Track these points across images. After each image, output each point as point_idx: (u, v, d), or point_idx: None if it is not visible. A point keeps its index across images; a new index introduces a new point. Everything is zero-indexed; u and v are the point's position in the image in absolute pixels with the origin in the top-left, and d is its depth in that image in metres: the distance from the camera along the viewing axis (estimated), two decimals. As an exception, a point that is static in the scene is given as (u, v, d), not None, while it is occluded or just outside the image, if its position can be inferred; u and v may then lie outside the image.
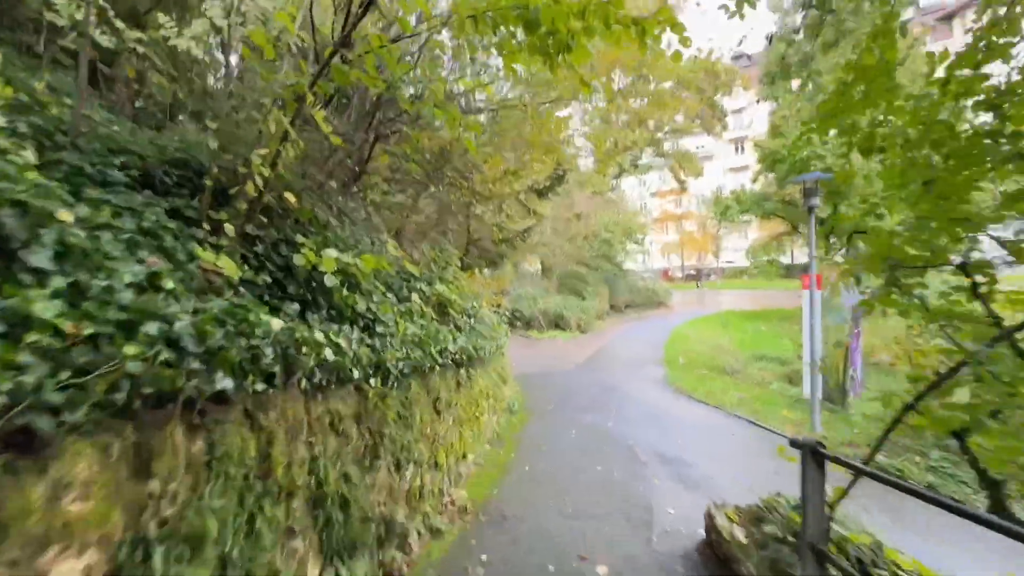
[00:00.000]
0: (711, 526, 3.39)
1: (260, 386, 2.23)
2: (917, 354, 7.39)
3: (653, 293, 25.56)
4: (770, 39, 17.46)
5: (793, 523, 2.91)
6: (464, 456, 6.03)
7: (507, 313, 10.05)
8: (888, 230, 2.62)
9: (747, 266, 46.82)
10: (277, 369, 2.38)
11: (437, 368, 4.72)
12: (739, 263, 46.34)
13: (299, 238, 3.33)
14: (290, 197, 3.10)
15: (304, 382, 2.66)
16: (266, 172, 2.95)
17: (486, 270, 9.44)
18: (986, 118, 2.76)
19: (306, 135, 4.01)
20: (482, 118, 6.50)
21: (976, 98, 2.74)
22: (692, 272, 47.52)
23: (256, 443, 2.29)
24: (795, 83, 17.20)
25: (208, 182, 2.96)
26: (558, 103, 6.96)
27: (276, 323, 2.46)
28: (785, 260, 42.74)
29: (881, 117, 3.15)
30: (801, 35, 16.64)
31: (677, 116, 21.56)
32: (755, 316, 20.80)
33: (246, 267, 2.88)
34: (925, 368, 7.37)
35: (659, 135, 22.76)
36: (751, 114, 51.40)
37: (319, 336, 2.66)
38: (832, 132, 3.73)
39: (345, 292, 3.39)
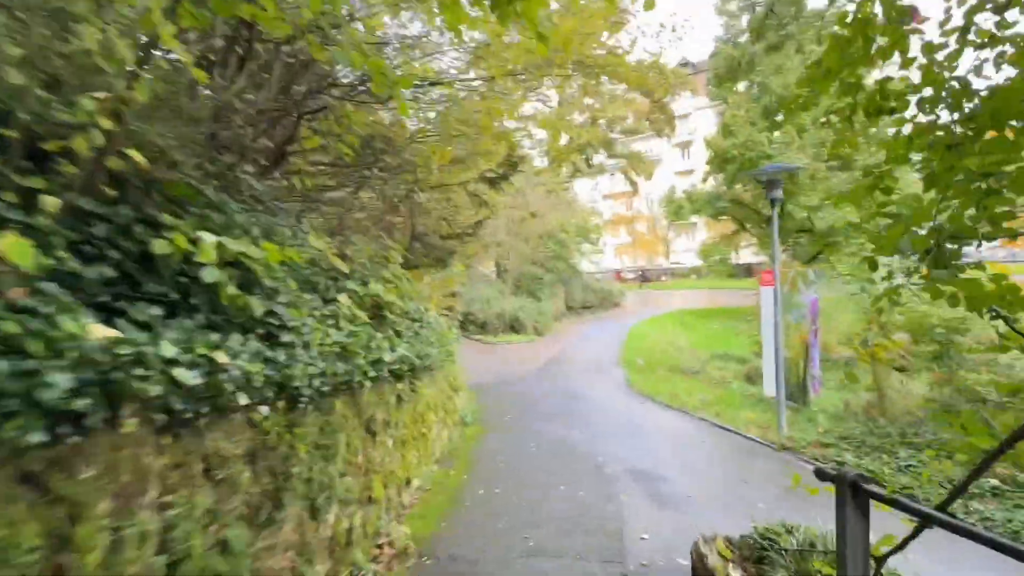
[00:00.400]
0: (700, 566, 2.79)
1: (39, 437, 1.40)
2: (879, 349, 7.28)
3: (608, 294, 25.49)
4: (717, 42, 17.71)
5: (805, 569, 2.35)
6: (408, 483, 5.24)
7: (459, 317, 9.30)
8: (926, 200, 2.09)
9: (695, 266, 48.32)
10: (87, 403, 1.56)
11: (369, 383, 3.93)
12: (687, 264, 47.67)
13: (168, 219, 2.47)
14: (136, 155, 2.23)
15: (144, 418, 1.83)
16: (107, 124, 2.10)
17: (435, 272, 8.65)
18: (1010, 72, 2.32)
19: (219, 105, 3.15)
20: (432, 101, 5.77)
21: (1001, 48, 2.31)
22: (640, 273, 48.33)
23: (42, 524, 1.45)
24: (741, 86, 17.53)
25: (12, 134, 2.06)
26: (511, 90, 6.33)
27: (97, 332, 1.64)
28: (733, 260, 44.60)
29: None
30: (746, 37, 16.93)
31: (628, 117, 21.58)
32: (708, 315, 21.05)
33: (67, 254, 2.01)
34: (888, 363, 7.27)
35: (611, 135, 22.74)
36: (695, 120, 53.34)
37: (168, 350, 1.84)
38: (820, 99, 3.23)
39: (233, 291, 2.55)
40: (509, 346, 15.64)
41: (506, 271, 18.36)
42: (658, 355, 13.22)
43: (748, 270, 44.66)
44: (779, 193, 7.13)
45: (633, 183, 26.36)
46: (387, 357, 4.10)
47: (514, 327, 16.75)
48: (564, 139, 22.75)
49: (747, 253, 45.17)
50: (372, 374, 3.86)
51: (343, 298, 4.21)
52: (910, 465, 5.78)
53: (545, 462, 6.15)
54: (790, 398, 8.59)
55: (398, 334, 4.97)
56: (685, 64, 55.71)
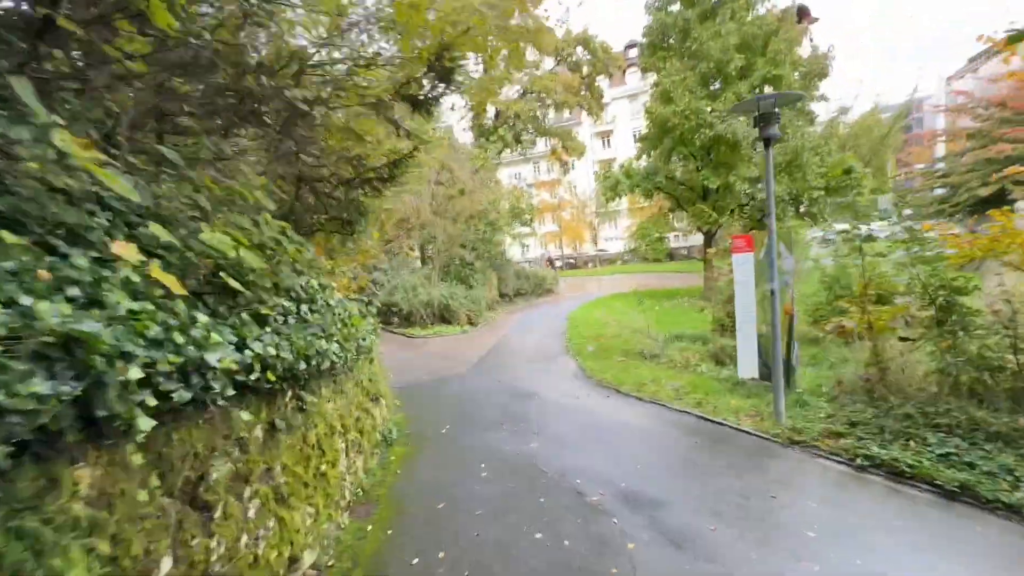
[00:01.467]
0: None
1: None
2: (881, 315, 6.30)
3: (541, 279, 24.17)
4: (648, 10, 16.73)
5: None
6: (293, 562, 3.20)
7: (376, 302, 7.22)
8: None
9: (621, 252, 48.94)
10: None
11: (191, 411, 1.87)
12: (613, 251, 48.09)
13: None
14: None
15: None
16: None
17: (342, 241, 6.47)
18: None
19: None
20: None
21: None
22: (548, 260, 48.02)
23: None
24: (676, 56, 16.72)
25: None
26: None
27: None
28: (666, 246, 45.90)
29: None
30: (678, 6, 16.08)
31: (558, 90, 20.22)
32: (650, 296, 20.37)
33: None
34: (891, 332, 6.29)
35: (541, 109, 21.28)
36: (614, 109, 53.91)
37: None
38: None
39: None
40: (440, 339, 13.62)
41: (432, 256, 16.23)
42: (609, 339, 11.91)
43: (671, 255, 46.06)
44: (775, 131, 5.83)
45: (563, 163, 25.17)
46: (214, 358, 2.05)
47: (444, 317, 14.73)
48: (491, 112, 20.93)
49: (671, 238, 46.59)
50: (197, 393, 1.82)
51: (123, 249, 2.08)
52: (950, 454, 4.73)
53: (504, 495, 4.35)
54: (768, 379, 7.55)
55: (259, 319, 2.90)
56: (632, 46, 56.16)
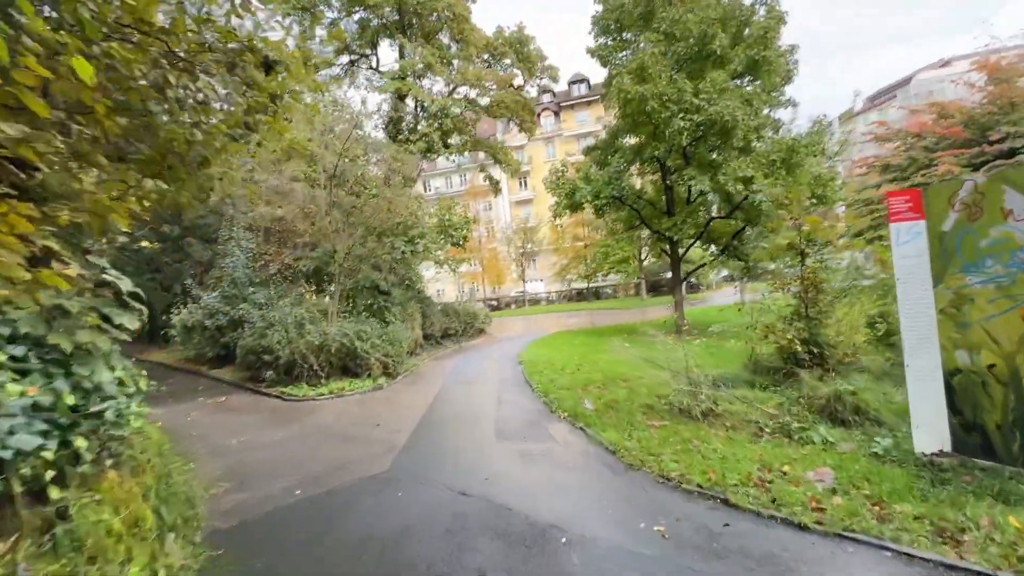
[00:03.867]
0: None
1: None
2: None
3: (473, 317, 19.91)
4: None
5: None
6: None
7: (129, 320, 2.51)
8: None
9: (545, 292, 46.38)
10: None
11: None
12: (533, 291, 45.35)
13: None
14: None
15: None
16: None
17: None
18: None
19: None
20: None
21: None
22: (493, 301, 44.36)
23: None
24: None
25: None
26: None
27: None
28: (569, 285, 43.24)
29: None
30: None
31: (490, 86, 16.98)
32: (606, 332, 16.95)
33: None
34: None
35: (470, 113, 17.87)
36: (529, 150, 53.17)
37: None
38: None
39: None
40: (341, 401, 8.72)
41: (333, 280, 11.37)
42: (606, 388, 7.98)
43: (597, 293, 44.35)
44: None
45: (495, 182, 21.74)
46: None
47: (349, 367, 9.87)
48: (410, 103, 17.01)
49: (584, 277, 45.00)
50: None
51: None
52: None
53: None
54: (990, 455, 4.06)
55: None
56: (582, 80, 55.83)
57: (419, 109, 16.18)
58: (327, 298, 11.15)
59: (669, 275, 38.72)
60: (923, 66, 41.87)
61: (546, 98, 55.49)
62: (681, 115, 11.28)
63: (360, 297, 12.21)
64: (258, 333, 9.69)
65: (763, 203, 11.06)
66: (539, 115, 54.01)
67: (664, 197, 14.88)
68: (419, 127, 15.05)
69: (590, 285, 42.21)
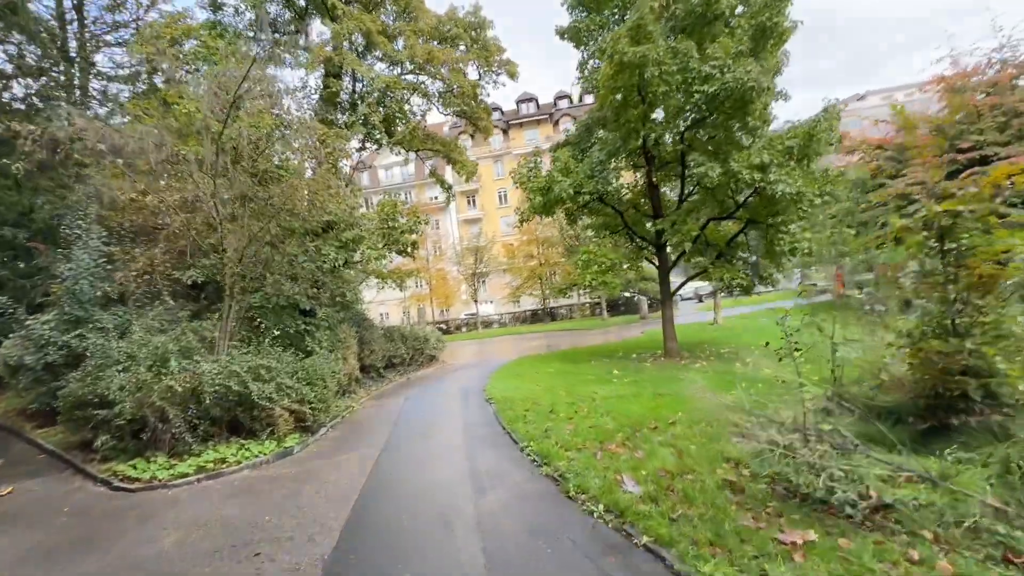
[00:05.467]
0: None
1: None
2: None
3: (423, 342, 16.76)
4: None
5: None
6: None
7: None
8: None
9: (498, 314, 43.56)
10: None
11: None
12: (484, 313, 42.56)
13: None
14: None
15: None
16: None
17: None
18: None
19: None
20: None
21: None
22: (441, 324, 41.05)
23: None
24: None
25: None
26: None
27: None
28: (515, 308, 40.70)
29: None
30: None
31: (443, 66, 14.34)
32: (581, 356, 14.37)
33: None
34: None
35: (420, 99, 15.13)
36: (479, 168, 51.15)
37: None
38: None
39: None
40: (216, 485, 5.41)
41: (225, 291, 8.00)
42: (631, 450, 5.25)
43: (552, 314, 42.06)
44: None
45: (447, 187, 18.97)
46: None
47: (239, 421, 6.55)
48: (347, 83, 14.00)
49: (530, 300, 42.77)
50: None
51: None
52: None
53: None
54: None
55: None
56: (530, 99, 54.10)
57: (357, 89, 13.20)
58: (211, 320, 7.78)
59: (629, 294, 37.34)
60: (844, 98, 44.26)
61: (494, 116, 54.06)
62: (685, 86, 9.16)
63: (269, 319, 8.89)
64: (90, 375, 6.20)
65: (785, 194, 9.05)
66: (485, 136, 52.45)
67: (649, 198, 12.76)
68: (358, 109, 12.12)
69: (545, 306, 39.96)
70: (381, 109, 13.35)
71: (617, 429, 6.19)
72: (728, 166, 9.32)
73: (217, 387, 6.12)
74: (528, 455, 5.63)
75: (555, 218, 33.03)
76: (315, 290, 10.00)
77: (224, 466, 5.71)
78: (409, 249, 12.03)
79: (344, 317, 12.17)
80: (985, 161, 17.23)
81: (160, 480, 5.31)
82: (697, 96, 9.09)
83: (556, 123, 49.57)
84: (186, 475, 5.43)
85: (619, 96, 10.20)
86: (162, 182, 8.29)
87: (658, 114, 10.39)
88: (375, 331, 14.29)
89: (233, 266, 7.37)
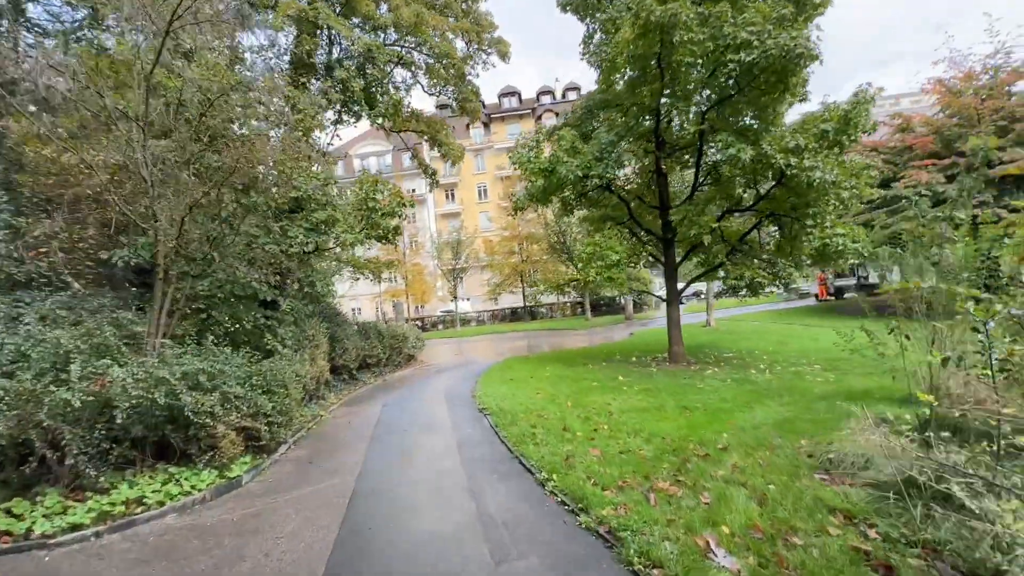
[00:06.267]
0: None
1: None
2: None
3: (401, 340, 15.25)
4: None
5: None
6: None
7: None
8: None
9: (475, 311, 42.07)
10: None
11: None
12: (461, 310, 41.02)
13: None
14: None
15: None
16: None
17: None
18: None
19: None
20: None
21: None
22: (417, 321, 39.35)
23: None
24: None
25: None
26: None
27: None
28: (493, 306, 39.23)
29: None
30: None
31: (428, 27, 12.84)
32: (575, 358, 13.14)
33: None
34: None
35: (404, 73, 13.57)
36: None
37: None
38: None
39: None
40: (110, 549, 3.91)
41: (159, 273, 6.39)
42: (691, 488, 4.01)
43: (532, 313, 40.82)
44: None
45: (432, 173, 17.44)
46: None
47: (169, 442, 5.00)
48: (323, 40, 12.33)
49: (511, 297, 41.49)
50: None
51: None
52: None
53: None
54: None
55: None
56: (513, 93, 52.56)
57: (335, 53, 11.56)
58: (137, 319, 6.16)
59: (612, 293, 36.44)
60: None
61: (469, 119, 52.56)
62: (716, 55, 8.01)
63: (221, 311, 7.31)
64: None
65: (823, 182, 8.02)
66: (468, 126, 50.86)
67: (656, 187, 11.63)
68: (335, 73, 10.51)
69: (526, 304, 38.76)
70: (361, 80, 11.78)
71: (657, 456, 4.96)
72: (760, 148, 8.22)
73: (136, 399, 4.58)
74: (551, 492, 4.33)
75: (540, 214, 32.11)
76: (278, 278, 8.45)
77: (140, 509, 4.20)
78: (390, 235, 10.53)
79: (313, 311, 10.60)
80: (986, 164, 16.94)
81: (40, 535, 3.77)
82: (731, 66, 7.94)
83: (539, 118, 48.41)
84: (81, 526, 3.90)
85: (633, 71, 8.98)
86: (85, 138, 6.60)
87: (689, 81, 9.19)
88: (348, 327, 12.72)
89: (168, 241, 5.79)
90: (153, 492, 4.37)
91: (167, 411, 4.90)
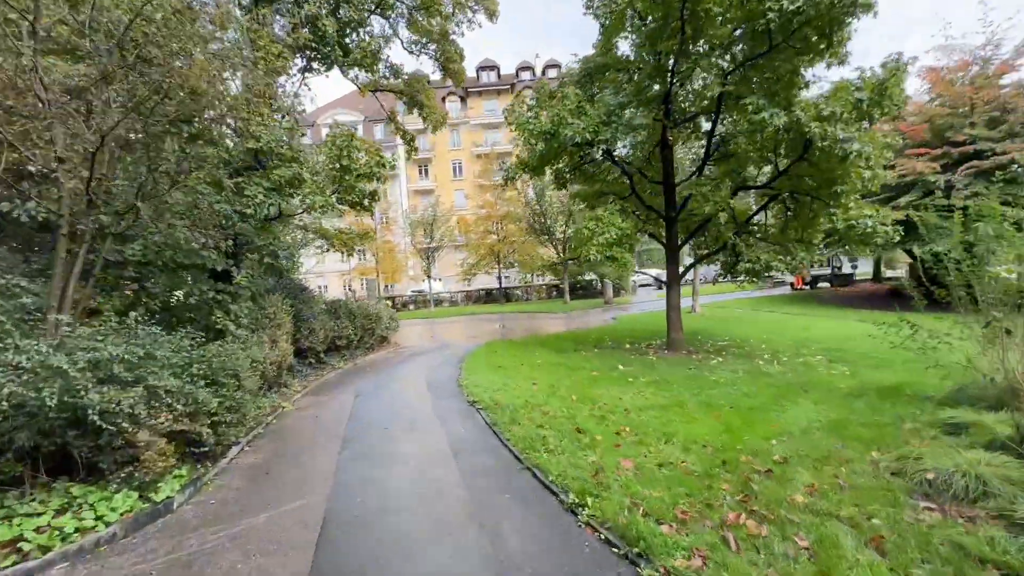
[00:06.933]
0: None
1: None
2: None
3: (374, 321, 13.93)
4: None
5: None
6: None
7: None
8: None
9: (449, 291, 40.69)
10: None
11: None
12: (433, 290, 39.59)
13: None
14: None
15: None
16: None
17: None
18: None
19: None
20: None
21: None
22: (388, 300, 37.73)
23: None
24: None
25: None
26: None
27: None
28: (469, 287, 38.16)
29: None
30: None
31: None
32: (565, 341, 12.18)
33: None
34: None
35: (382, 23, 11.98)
36: (431, 138, 47.52)
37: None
38: None
39: None
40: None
41: (60, 229, 4.95)
42: (760, 522, 3.09)
43: (507, 295, 39.78)
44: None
45: (411, 139, 15.90)
46: None
47: (66, 454, 3.73)
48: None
49: (487, 278, 40.30)
50: None
51: None
52: None
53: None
54: None
55: None
56: (492, 67, 50.12)
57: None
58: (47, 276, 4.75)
59: (591, 277, 35.71)
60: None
61: (452, 83, 50.28)
62: (754, 3, 6.99)
63: (157, 281, 5.91)
64: None
65: (858, 153, 7.21)
66: (444, 99, 48.61)
67: (660, 160, 10.64)
68: (304, 8, 8.93)
69: (501, 285, 37.63)
70: (334, 19, 10.18)
71: (707, 472, 4.02)
72: (793, 114, 7.30)
73: (19, 398, 3.27)
74: (587, 524, 3.33)
75: (520, 191, 30.82)
76: (231, 244, 7.05)
77: (9, 561, 2.94)
78: (366, 201, 9.16)
79: (275, 285, 9.21)
80: (979, 155, 16.79)
81: None
82: (770, 15, 6.91)
83: (517, 95, 46.68)
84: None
85: (655, 20, 7.85)
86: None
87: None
88: (316, 305, 11.34)
89: (78, 185, 4.37)
90: (36, 530, 3.12)
91: (68, 412, 3.60)
